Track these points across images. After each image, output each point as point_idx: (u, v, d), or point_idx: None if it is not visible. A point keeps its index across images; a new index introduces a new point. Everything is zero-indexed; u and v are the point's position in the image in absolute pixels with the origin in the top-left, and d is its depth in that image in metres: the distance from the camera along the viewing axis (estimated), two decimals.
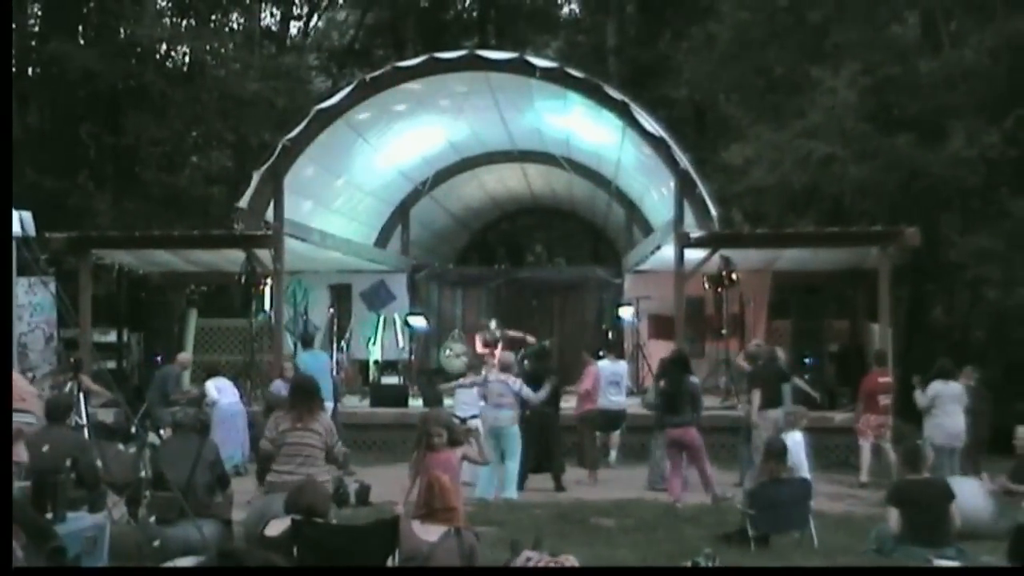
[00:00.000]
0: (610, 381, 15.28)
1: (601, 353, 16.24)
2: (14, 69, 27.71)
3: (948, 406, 13.44)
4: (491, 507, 12.11)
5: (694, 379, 12.98)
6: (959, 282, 20.57)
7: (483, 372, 14.19)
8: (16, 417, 2.36)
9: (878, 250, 16.67)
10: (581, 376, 15.10)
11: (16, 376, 2.43)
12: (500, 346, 18.58)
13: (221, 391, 15.13)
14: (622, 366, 16.21)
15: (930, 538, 8.12)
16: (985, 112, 18.65)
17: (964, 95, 18.78)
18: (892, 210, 18.99)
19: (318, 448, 8.56)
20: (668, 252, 17.48)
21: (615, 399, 15.32)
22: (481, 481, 12.64)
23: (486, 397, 13.23)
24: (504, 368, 13.48)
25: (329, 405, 14.19)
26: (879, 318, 16.86)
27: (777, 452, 9.99)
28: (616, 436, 15.74)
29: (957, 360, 14.75)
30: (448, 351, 21.34)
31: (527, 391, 13.22)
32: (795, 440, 11.53)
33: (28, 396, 2.44)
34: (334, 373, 17.25)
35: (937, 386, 13.56)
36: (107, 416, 14.56)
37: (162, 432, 13.24)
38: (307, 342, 16.74)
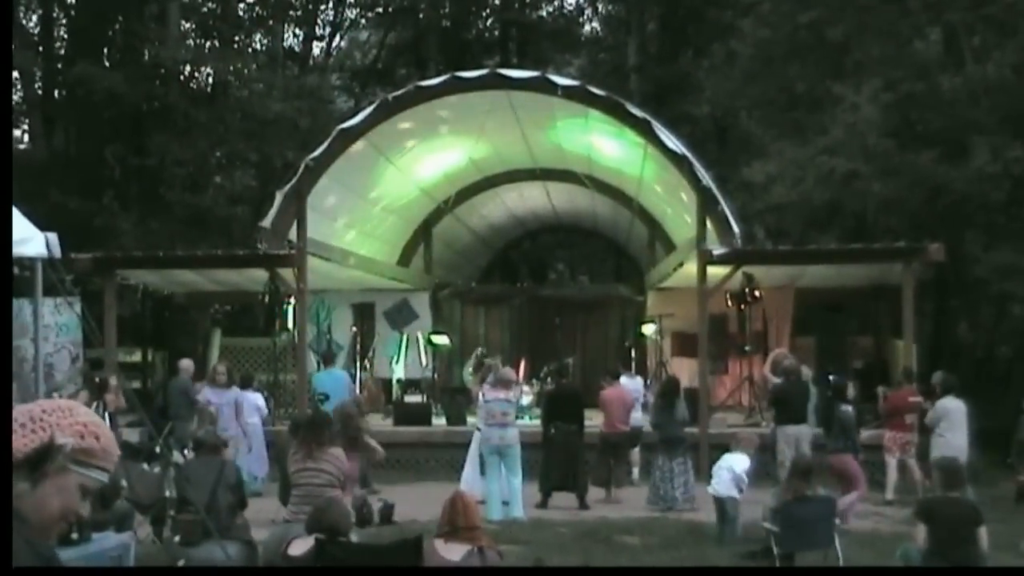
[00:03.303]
0: None
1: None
2: (40, 91, 28.03)
3: (955, 423, 13.31)
4: (515, 525, 12.11)
5: (846, 407, 12.91)
6: (983, 298, 20.44)
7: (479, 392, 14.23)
8: (92, 473, 2.33)
9: (902, 266, 16.60)
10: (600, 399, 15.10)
11: (106, 429, 2.39)
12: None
13: (247, 409, 15.03)
14: (638, 382, 16.23)
15: (957, 557, 8.06)
16: (1009, 127, 18.55)
17: (987, 110, 18.69)
18: (915, 226, 18.89)
19: (330, 487, 8.44)
20: (691, 269, 17.46)
21: (633, 415, 15.28)
22: (490, 501, 12.62)
23: (487, 416, 13.22)
24: (503, 385, 13.44)
25: None
26: (903, 335, 16.78)
27: (802, 470, 9.95)
28: (635, 454, 15.69)
29: (983, 376, 14.65)
30: (470, 369, 21.34)
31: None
32: (740, 460, 11.52)
33: (115, 459, 2.39)
34: (356, 392, 17.22)
35: (945, 403, 13.44)
36: (132, 436, 14.62)
37: (186, 451, 13.28)
38: (328, 360, 16.74)
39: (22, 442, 2.22)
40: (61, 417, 2.28)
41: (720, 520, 11.40)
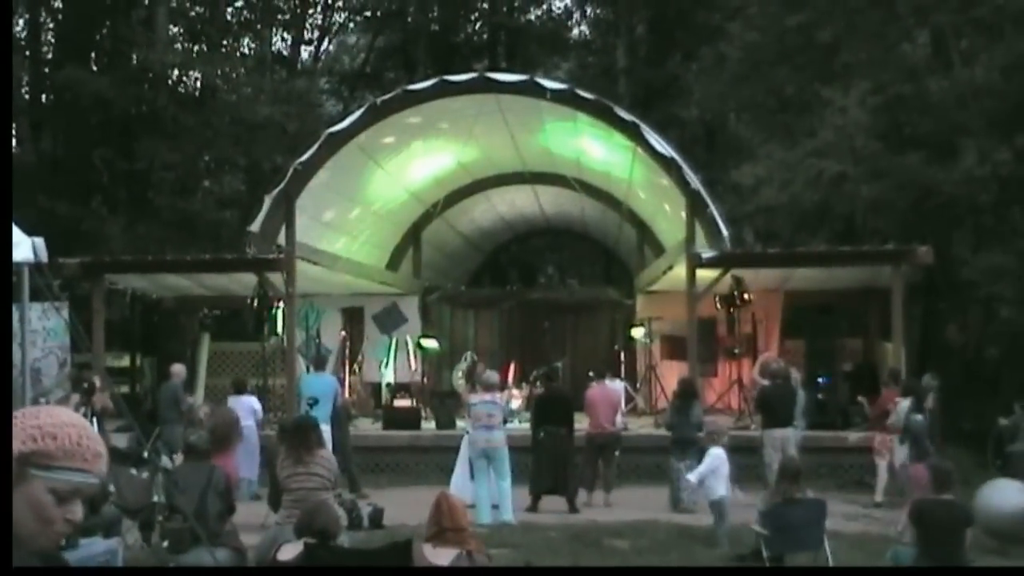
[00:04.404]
0: None
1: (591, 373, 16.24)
2: (27, 96, 27.95)
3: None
4: (504, 529, 12.09)
5: (918, 417, 12.92)
6: (972, 300, 20.46)
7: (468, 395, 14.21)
8: (58, 475, 2.27)
9: (891, 269, 16.64)
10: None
11: (91, 430, 2.33)
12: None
13: (243, 413, 14.89)
14: (617, 384, 16.26)
15: (943, 558, 8.07)
16: (997, 130, 18.59)
17: (975, 113, 18.73)
18: (904, 228, 18.93)
19: (323, 490, 8.46)
20: (680, 272, 17.46)
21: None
22: (479, 505, 12.60)
23: (473, 419, 13.19)
24: (488, 388, 13.42)
25: (326, 428, 13.20)
26: (892, 337, 16.80)
27: (791, 473, 9.95)
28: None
29: (971, 378, 14.67)
30: (460, 373, 21.32)
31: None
32: (716, 456, 11.53)
33: (92, 457, 2.32)
34: (343, 396, 17.13)
35: (907, 405, 13.47)
36: (120, 440, 14.56)
37: (175, 456, 13.21)
38: (319, 364, 16.66)
39: None
40: (14, 423, 2.23)
41: (718, 522, 11.38)
